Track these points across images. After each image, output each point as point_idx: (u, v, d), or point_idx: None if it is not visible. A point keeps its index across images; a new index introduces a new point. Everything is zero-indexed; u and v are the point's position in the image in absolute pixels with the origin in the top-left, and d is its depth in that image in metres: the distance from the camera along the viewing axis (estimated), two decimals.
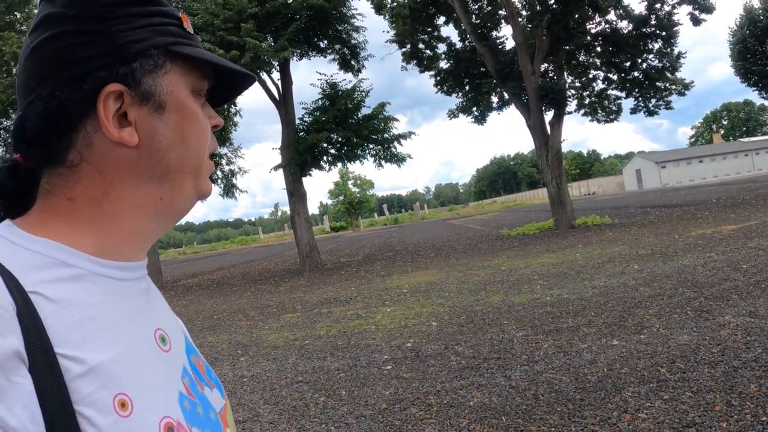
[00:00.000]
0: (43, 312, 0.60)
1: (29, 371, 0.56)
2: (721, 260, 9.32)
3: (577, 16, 21.56)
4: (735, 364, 4.56)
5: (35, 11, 0.69)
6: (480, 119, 27.83)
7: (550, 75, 22.38)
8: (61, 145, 0.69)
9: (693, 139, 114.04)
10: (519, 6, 23.64)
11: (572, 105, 24.95)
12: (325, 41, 20.05)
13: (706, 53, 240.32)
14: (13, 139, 0.71)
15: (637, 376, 4.63)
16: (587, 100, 25.45)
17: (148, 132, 0.71)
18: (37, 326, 0.58)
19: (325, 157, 19.53)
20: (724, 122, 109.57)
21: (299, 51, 19.33)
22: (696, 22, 21.65)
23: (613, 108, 25.13)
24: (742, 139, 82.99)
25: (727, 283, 7.53)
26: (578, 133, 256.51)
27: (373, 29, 23.22)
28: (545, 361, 5.42)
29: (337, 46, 20.21)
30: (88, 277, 0.67)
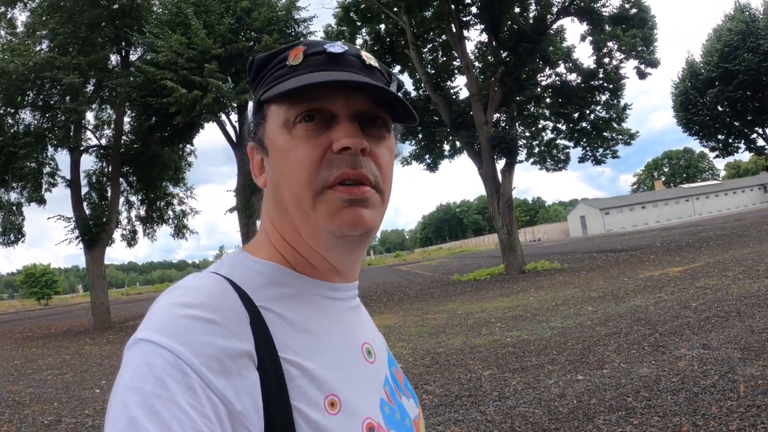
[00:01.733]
0: (270, 323, 0.73)
1: (257, 369, 0.68)
2: (671, 300, 9.79)
3: (528, 68, 22.51)
4: (695, 390, 4.89)
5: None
6: (432, 167, 28.42)
7: (502, 125, 23.17)
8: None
9: (635, 186, 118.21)
10: (473, 58, 24.53)
11: (522, 154, 25.80)
12: None
13: (648, 104, 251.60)
14: None
15: (606, 405, 4.89)
16: (537, 150, 26.38)
17: (267, 175, 0.84)
18: (266, 334, 0.72)
19: None
20: (665, 169, 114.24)
21: None
22: (642, 75, 22.89)
23: (562, 157, 26.08)
24: (682, 186, 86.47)
25: (679, 320, 7.95)
26: (524, 181, 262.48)
27: None
28: (516, 396, 5.62)
29: None
30: (304, 296, 0.81)
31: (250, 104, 0.92)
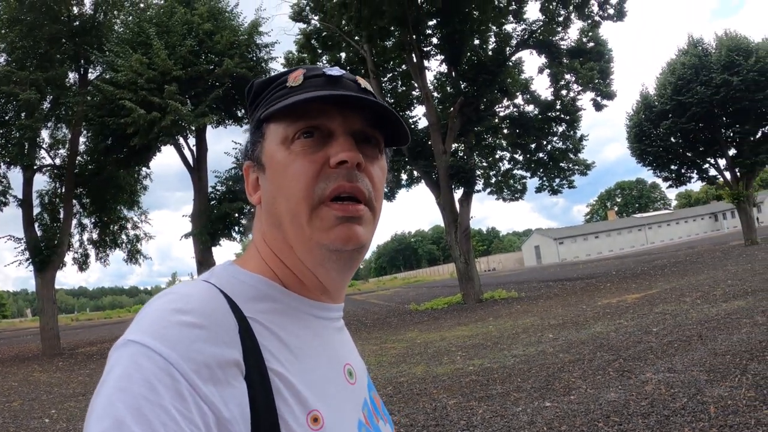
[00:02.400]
0: (258, 334, 0.74)
1: (245, 379, 0.68)
2: (632, 325, 9.86)
3: (487, 99, 22.86)
4: (665, 413, 4.86)
5: None
6: (389, 196, 28.43)
7: (461, 155, 23.38)
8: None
9: (588, 216, 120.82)
10: (433, 88, 24.81)
11: (480, 184, 26.09)
12: (243, 110, 20.19)
13: (601, 135, 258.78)
14: None
15: (577, 431, 4.81)
16: (494, 180, 26.71)
17: (263, 191, 0.86)
18: (254, 344, 0.72)
19: (236, 228, 19.30)
20: (618, 199, 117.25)
21: (217, 118, 19.35)
22: (598, 107, 23.56)
23: (519, 187, 26.52)
24: (635, 215, 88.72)
25: (642, 345, 7.99)
26: (478, 211, 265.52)
27: None
28: (484, 425, 5.49)
29: None
30: (292, 313, 0.82)
31: (244, 129, 0.99)
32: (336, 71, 0.84)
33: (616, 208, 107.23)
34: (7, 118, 20.59)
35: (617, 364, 7.08)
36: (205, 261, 19.11)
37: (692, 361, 6.47)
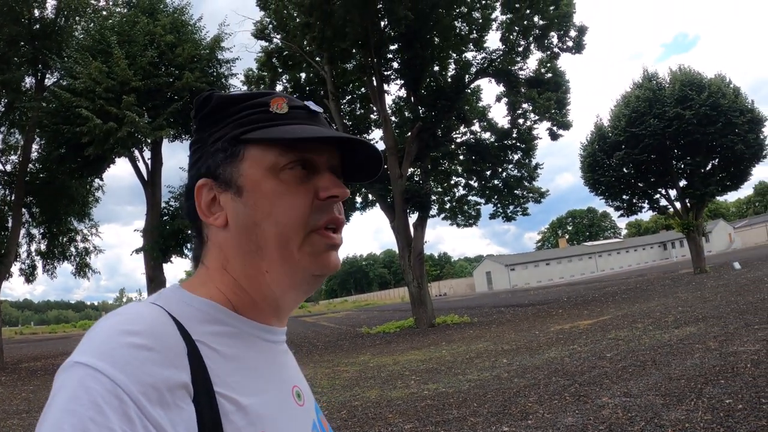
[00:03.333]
0: (206, 357, 0.72)
1: (193, 401, 0.67)
2: (585, 351, 9.96)
3: (445, 125, 23.10)
4: None
5: None
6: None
7: (416, 179, 23.49)
8: (198, 225, 0.87)
9: (539, 244, 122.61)
10: (391, 112, 24.95)
11: (435, 209, 26.20)
12: None
13: (554, 165, 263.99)
14: None
15: None
16: (448, 205, 26.90)
17: (233, 214, 0.82)
18: (202, 367, 0.71)
19: (189, 245, 18.91)
20: (569, 227, 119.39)
21: (174, 132, 19.01)
22: (554, 136, 24.00)
23: (473, 213, 26.76)
24: (585, 243, 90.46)
25: (596, 370, 8.06)
26: (430, 236, 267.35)
27: None
28: None
29: None
30: (241, 336, 0.81)
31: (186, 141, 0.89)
32: (315, 106, 0.87)
33: (567, 236, 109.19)
34: None
35: (573, 389, 7.12)
36: (155, 277, 18.64)
37: (647, 386, 6.54)
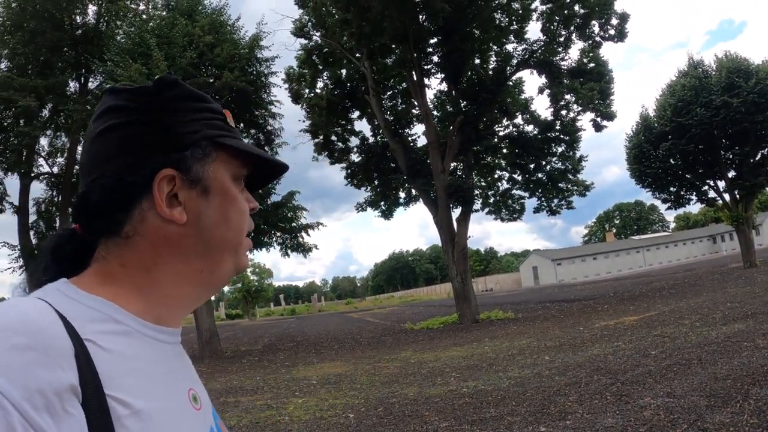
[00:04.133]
0: (96, 357, 0.67)
1: (82, 405, 0.62)
2: (630, 348, 9.66)
3: (487, 119, 22.85)
4: None
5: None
6: (387, 214, 28.36)
7: (459, 173, 23.30)
8: (119, 218, 0.78)
9: (586, 238, 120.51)
10: (432, 106, 24.79)
11: (478, 203, 25.99)
12: (242, 124, 20.13)
13: (600, 157, 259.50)
14: (75, 211, 0.81)
15: None
16: (492, 199, 26.62)
17: (194, 212, 0.81)
18: (91, 368, 0.65)
19: None
20: (617, 221, 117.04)
21: None
22: (598, 128, 23.47)
23: (517, 207, 26.43)
24: (633, 237, 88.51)
25: (640, 368, 7.79)
26: (476, 231, 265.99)
27: (289, 117, 23.78)
28: None
29: (253, 131, 20.31)
30: (135, 335, 0.75)
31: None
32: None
33: (614, 230, 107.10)
34: (5, 124, 20.75)
35: (615, 388, 6.89)
36: None
37: (692, 386, 6.28)
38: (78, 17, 20.52)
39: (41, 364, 0.61)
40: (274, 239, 20.01)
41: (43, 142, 22.51)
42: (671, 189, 30.49)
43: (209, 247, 0.82)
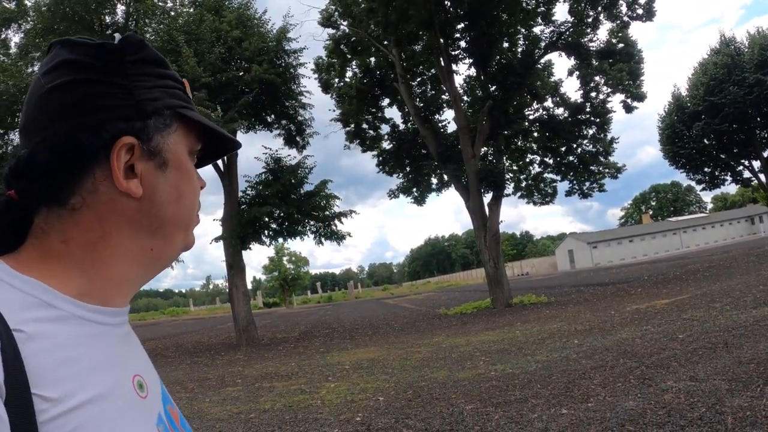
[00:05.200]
0: (25, 350, 0.60)
1: (5, 405, 0.56)
2: (658, 332, 9.66)
3: (516, 102, 22.72)
4: (681, 423, 4.75)
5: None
6: (419, 200, 28.44)
7: (490, 158, 23.25)
8: (67, 186, 0.70)
9: (622, 220, 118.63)
10: (462, 91, 24.74)
11: (510, 188, 25.94)
12: (273, 116, 20.41)
13: (634, 138, 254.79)
14: (12, 174, 0.72)
15: None
16: (524, 183, 26.53)
17: (151, 186, 0.75)
18: (18, 363, 0.59)
19: (266, 231, 19.50)
20: (653, 203, 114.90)
21: (247, 124, 19.58)
22: (628, 109, 23.19)
23: (549, 191, 26.26)
24: (670, 219, 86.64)
25: (666, 352, 7.82)
26: (511, 215, 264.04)
27: (319, 107, 23.99)
28: (498, 431, 5.45)
29: (284, 122, 20.58)
30: (71, 320, 0.68)
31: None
32: None
33: (650, 212, 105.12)
34: None
35: (639, 371, 6.95)
36: (235, 264, 19.35)
37: (715, 370, 6.31)
38: (107, 17, 20.89)
39: None
40: (307, 228, 20.27)
41: None
42: (705, 169, 29.89)
43: (162, 224, 0.77)
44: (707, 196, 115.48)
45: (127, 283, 0.78)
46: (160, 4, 21.19)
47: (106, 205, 0.72)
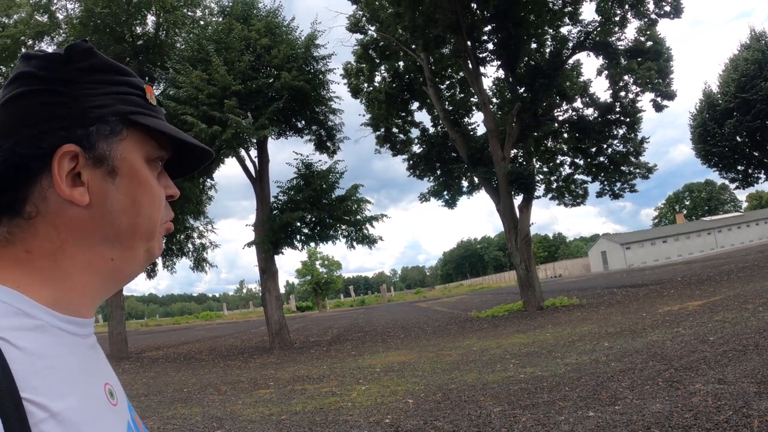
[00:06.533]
0: (9, 357, 0.63)
1: None
2: (689, 334, 9.59)
3: (545, 104, 22.62)
4: (707, 426, 4.75)
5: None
6: (450, 203, 28.43)
7: (520, 160, 23.18)
8: (19, 196, 0.72)
9: (656, 220, 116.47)
10: (490, 94, 24.72)
11: (540, 189, 25.80)
12: (303, 122, 20.62)
13: (667, 136, 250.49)
14: None
15: None
16: (555, 185, 26.34)
17: (99, 194, 0.75)
18: (5, 369, 0.61)
19: (298, 236, 19.69)
20: (687, 202, 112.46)
21: (278, 130, 19.82)
22: (658, 108, 22.91)
23: (580, 192, 26.00)
24: (704, 218, 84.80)
25: (696, 354, 7.77)
26: (544, 216, 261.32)
27: (349, 111, 24.14)
28: None
29: (314, 128, 20.77)
30: (48, 329, 0.70)
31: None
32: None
33: (684, 212, 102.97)
34: None
35: (668, 374, 6.93)
36: (267, 269, 19.61)
37: (744, 372, 6.26)
38: (138, 28, 21.28)
39: None
40: (339, 232, 20.42)
41: None
42: (739, 167, 29.22)
43: (118, 234, 0.77)
44: (742, 195, 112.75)
45: (91, 293, 0.78)
46: (189, 14, 21.56)
47: (58, 214, 0.73)
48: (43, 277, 0.73)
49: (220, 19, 19.28)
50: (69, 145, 0.72)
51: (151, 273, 25.66)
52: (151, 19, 21.39)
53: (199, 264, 26.00)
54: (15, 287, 0.70)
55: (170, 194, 0.84)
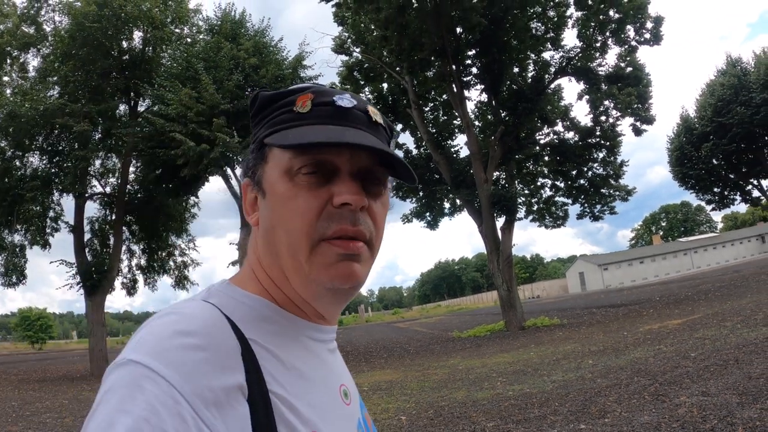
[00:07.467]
0: (259, 356, 0.74)
1: (247, 401, 0.69)
2: (671, 351, 9.85)
3: (527, 127, 23.10)
4: None
5: None
6: (432, 224, 28.64)
7: (502, 182, 23.52)
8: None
9: (633, 241, 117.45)
10: (473, 117, 25.12)
11: (522, 211, 26.15)
12: None
13: (644, 158, 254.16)
14: None
15: None
16: (536, 207, 26.70)
17: (261, 215, 0.85)
18: (256, 366, 0.72)
19: None
20: (663, 224, 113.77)
21: None
22: (637, 132, 23.38)
23: (560, 214, 26.44)
24: (680, 239, 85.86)
25: (679, 369, 8.02)
26: (522, 237, 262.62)
27: None
28: None
29: None
30: (290, 334, 0.82)
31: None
32: (347, 101, 0.82)
33: (661, 233, 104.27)
34: (60, 148, 21.48)
35: (653, 388, 7.17)
36: None
37: (726, 385, 6.53)
38: (125, 43, 21.27)
39: (211, 363, 0.68)
40: None
41: (96, 163, 23.16)
42: (715, 190, 29.92)
43: (276, 250, 0.82)
44: (717, 216, 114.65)
45: (314, 301, 0.84)
46: (177, 31, 21.56)
47: (255, 235, 0.88)
48: (268, 286, 0.84)
49: (209, 38, 19.41)
50: (246, 179, 0.87)
51: (132, 290, 25.40)
52: (138, 34, 21.49)
53: (181, 282, 25.81)
54: (258, 293, 0.83)
55: (337, 203, 0.78)
